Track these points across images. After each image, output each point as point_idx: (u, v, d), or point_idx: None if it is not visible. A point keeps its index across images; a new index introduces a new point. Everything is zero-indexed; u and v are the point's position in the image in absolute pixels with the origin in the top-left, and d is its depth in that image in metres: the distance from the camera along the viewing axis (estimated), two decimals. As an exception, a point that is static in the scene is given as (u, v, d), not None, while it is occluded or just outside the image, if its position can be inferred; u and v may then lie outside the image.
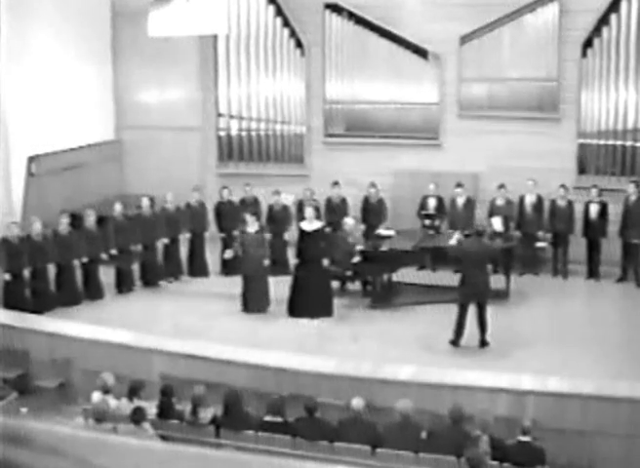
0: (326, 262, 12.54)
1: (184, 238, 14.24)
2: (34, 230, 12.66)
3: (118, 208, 13.70)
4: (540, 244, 14.26)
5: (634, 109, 14.35)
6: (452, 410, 7.66)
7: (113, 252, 13.46)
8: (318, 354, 10.36)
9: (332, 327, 12.08)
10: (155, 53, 15.96)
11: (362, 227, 14.54)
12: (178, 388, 8.42)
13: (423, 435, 7.72)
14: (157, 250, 14.01)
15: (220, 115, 16.38)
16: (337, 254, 12.79)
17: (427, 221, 14.01)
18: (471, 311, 11.19)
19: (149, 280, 13.87)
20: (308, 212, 12.78)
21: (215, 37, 15.90)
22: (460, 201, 14.48)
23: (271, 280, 12.78)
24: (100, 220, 13.66)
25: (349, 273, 13.14)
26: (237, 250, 13.05)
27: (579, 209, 14.08)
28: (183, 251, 14.37)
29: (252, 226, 12.89)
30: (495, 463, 7.22)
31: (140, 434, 7.38)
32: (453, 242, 12.29)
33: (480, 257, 11.34)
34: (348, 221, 13.37)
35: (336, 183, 14.74)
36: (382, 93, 15.60)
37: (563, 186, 14.13)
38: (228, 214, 14.38)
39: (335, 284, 13.07)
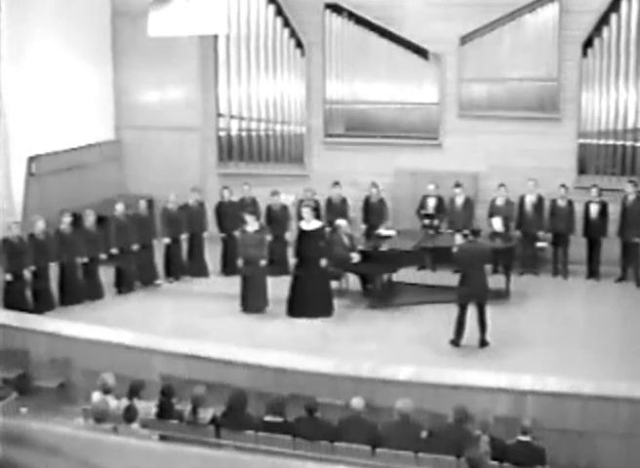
0: (324, 262, 12.54)
1: (185, 238, 14.22)
2: (37, 229, 12.68)
3: (120, 208, 13.69)
4: (540, 244, 14.26)
5: (634, 109, 14.35)
6: (456, 410, 7.64)
7: (114, 251, 13.47)
8: (318, 354, 10.36)
9: (332, 327, 12.08)
10: (155, 53, 15.94)
11: (363, 227, 14.55)
12: (178, 388, 8.42)
13: (423, 435, 7.72)
14: (154, 250, 13.99)
15: (220, 115, 16.38)
16: (334, 255, 12.77)
17: (427, 221, 14.02)
18: (471, 311, 11.20)
19: (146, 280, 13.86)
20: (306, 212, 12.77)
21: (215, 37, 15.90)
22: (459, 201, 14.48)
23: (271, 280, 12.79)
24: (101, 220, 13.67)
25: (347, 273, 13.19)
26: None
27: (579, 209, 14.08)
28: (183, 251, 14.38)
29: (252, 226, 12.90)
30: (495, 463, 7.22)
31: (138, 433, 7.39)
32: (455, 250, 12.15)
33: (477, 258, 11.35)
34: (342, 223, 13.35)
35: (336, 183, 14.74)
36: (382, 93, 15.60)
37: (563, 186, 14.14)
38: (229, 215, 14.37)
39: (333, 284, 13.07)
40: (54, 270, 12.87)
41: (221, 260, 14.40)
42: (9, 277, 12.24)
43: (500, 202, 14.30)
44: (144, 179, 16.22)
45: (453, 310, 11.31)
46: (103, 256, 13.36)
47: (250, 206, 14.22)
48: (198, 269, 14.37)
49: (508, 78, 14.98)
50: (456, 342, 11.27)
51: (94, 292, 13.26)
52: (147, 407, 8.09)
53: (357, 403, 7.88)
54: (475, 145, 15.10)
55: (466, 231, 11.96)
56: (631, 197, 13.72)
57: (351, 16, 15.49)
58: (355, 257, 12.83)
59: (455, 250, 11.65)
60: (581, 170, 14.84)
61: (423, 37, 15.12)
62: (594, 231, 13.99)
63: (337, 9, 15.54)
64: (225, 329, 11.88)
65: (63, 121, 14.86)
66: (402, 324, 12.14)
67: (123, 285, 13.62)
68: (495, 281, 12.47)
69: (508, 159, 14.89)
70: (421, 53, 15.32)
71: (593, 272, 14.02)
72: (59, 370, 10.23)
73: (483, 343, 11.21)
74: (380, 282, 13.16)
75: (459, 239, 11.74)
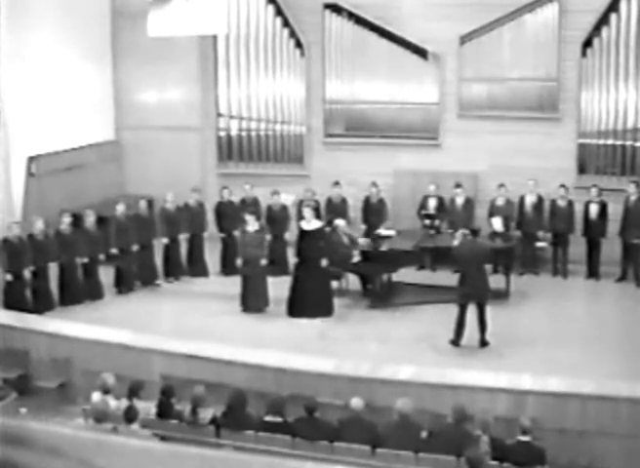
0: (324, 262, 12.53)
1: (184, 238, 14.22)
2: (36, 229, 12.68)
3: (121, 208, 13.70)
4: (540, 244, 14.27)
5: (634, 109, 14.36)
6: (455, 410, 7.64)
7: (114, 251, 13.47)
8: (318, 354, 10.36)
9: (332, 327, 12.08)
10: (155, 53, 15.95)
11: (363, 227, 14.54)
12: (178, 388, 8.42)
13: (423, 435, 7.72)
14: (154, 250, 13.99)
15: (219, 115, 16.38)
16: (334, 255, 12.77)
17: (427, 221, 14.02)
18: (471, 311, 11.20)
19: (146, 280, 13.86)
20: (306, 212, 12.78)
21: (215, 37, 15.90)
22: (460, 201, 14.48)
23: (271, 280, 12.79)
24: (101, 220, 13.67)
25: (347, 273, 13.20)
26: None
27: (579, 208, 14.08)
28: (183, 251, 14.37)
29: (252, 226, 12.90)
30: (495, 463, 7.22)
31: (138, 434, 7.39)
32: (456, 243, 12.22)
33: (477, 257, 11.35)
34: (340, 223, 13.38)
35: (336, 183, 14.74)
36: (382, 93, 15.60)
37: (563, 186, 14.14)
38: (228, 215, 14.38)
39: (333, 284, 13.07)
40: (54, 270, 12.87)
41: (221, 260, 14.40)
42: (9, 277, 12.24)
43: (500, 202, 14.30)
44: (144, 179, 16.23)
45: (453, 310, 11.31)
46: (103, 257, 13.37)
47: (251, 205, 14.22)
48: (198, 269, 14.37)
49: (508, 78, 14.99)
50: (455, 342, 11.27)
51: (94, 292, 13.26)
52: (147, 407, 8.09)
53: (357, 403, 7.88)
54: (475, 145, 15.10)
55: (466, 231, 11.96)
56: (633, 197, 13.70)
57: (351, 15, 15.49)
58: (356, 256, 12.85)
59: (455, 243, 11.67)
60: (581, 170, 14.85)
61: (423, 37, 15.12)
62: (594, 231, 13.99)
63: (336, 9, 15.54)
64: (225, 329, 11.88)
65: (63, 121, 14.86)
66: (402, 324, 12.13)
67: (123, 285, 13.62)
68: (495, 281, 12.46)
69: (508, 159, 14.89)
70: (421, 53, 15.32)
71: (593, 272, 14.02)
72: (59, 370, 10.23)
73: (483, 343, 11.21)
74: (380, 282, 13.16)
75: (459, 236, 11.76)
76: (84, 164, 15.49)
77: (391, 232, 13.78)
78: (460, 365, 10.29)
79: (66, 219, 13.05)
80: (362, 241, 13.50)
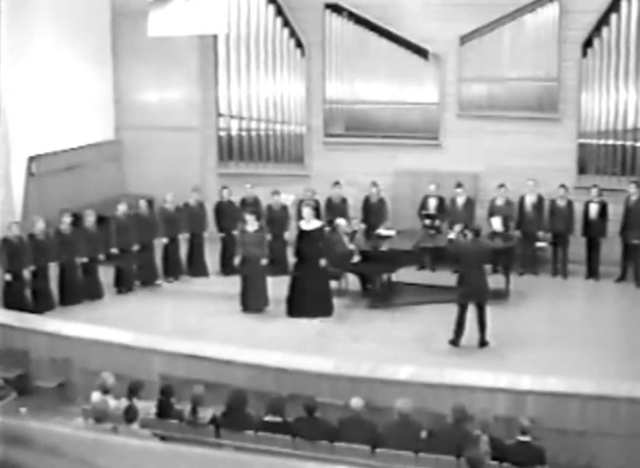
0: (323, 262, 12.54)
1: (184, 238, 14.24)
2: (37, 229, 12.68)
3: (122, 208, 13.70)
4: (539, 244, 14.28)
5: (634, 109, 14.36)
6: (455, 410, 7.65)
7: (114, 251, 13.48)
8: (318, 354, 10.36)
9: (331, 327, 12.08)
10: (155, 53, 15.95)
11: (363, 227, 14.55)
12: (178, 388, 8.42)
13: (423, 435, 7.72)
14: (154, 250, 14.00)
15: (220, 115, 16.38)
16: (333, 255, 12.77)
17: (428, 221, 14.03)
18: (471, 311, 11.20)
19: (146, 280, 13.87)
20: (306, 211, 12.79)
21: (215, 37, 15.91)
22: (460, 201, 14.48)
23: (270, 280, 12.80)
24: (101, 220, 13.67)
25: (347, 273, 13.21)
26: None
27: (579, 209, 14.08)
28: (183, 251, 14.38)
29: (251, 225, 12.90)
30: (495, 463, 7.22)
31: (138, 434, 7.39)
32: (452, 236, 12.26)
33: (477, 257, 11.36)
34: (340, 222, 13.39)
35: (336, 183, 14.75)
36: (382, 93, 15.61)
37: (563, 186, 14.14)
38: (228, 214, 14.38)
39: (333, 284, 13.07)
40: (54, 270, 12.87)
41: (220, 260, 14.41)
42: (9, 277, 12.24)
43: (499, 202, 14.30)
44: (144, 179, 16.22)
45: (453, 310, 11.31)
46: (103, 257, 13.37)
47: (252, 205, 14.23)
48: (198, 269, 14.37)
49: (508, 78, 14.99)
50: (455, 342, 11.27)
51: (94, 292, 13.26)
52: (147, 407, 8.09)
53: (356, 403, 7.88)
54: (475, 145, 15.10)
55: (467, 229, 11.98)
56: (634, 198, 13.71)
57: (351, 15, 15.49)
58: (355, 254, 12.87)
59: (450, 236, 11.67)
60: (581, 170, 14.85)
61: (423, 37, 15.13)
62: (594, 231, 13.99)
63: (337, 9, 15.55)
64: (225, 329, 11.88)
65: (63, 121, 14.86)
66: (402, 324, 12.14)
67: (123, 285, 13.63)
68: (494, 281, 12.47)
69: (508, 159, 14.89)
70: (421, 53, 15.33)
71: (593, 272, 14.02)
72: (58, 369, 10.24)
73: (482, 343, 11.21)
74: (380, 282, 13.16)
75: (456, 230, 11.77)
76: (84, 164, 15.49)
77: (391, 232, 13.79)
78: (460, 365, 10.28)
79: (66, 219, 13.06)
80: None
